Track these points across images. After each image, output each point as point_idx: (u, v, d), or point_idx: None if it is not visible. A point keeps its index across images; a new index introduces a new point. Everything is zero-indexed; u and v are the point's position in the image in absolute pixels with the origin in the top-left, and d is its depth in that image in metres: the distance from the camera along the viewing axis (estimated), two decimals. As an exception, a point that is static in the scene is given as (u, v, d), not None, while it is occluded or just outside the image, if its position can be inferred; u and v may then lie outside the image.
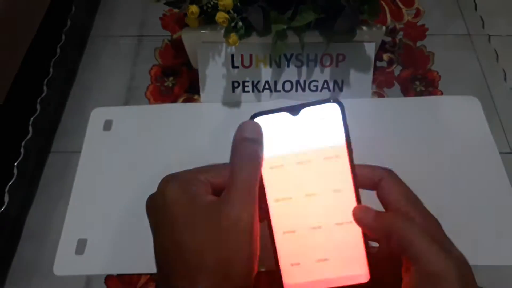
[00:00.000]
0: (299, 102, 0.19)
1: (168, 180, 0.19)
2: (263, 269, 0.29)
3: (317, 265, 0.19)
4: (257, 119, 0.19)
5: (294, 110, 0.19)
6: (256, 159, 0.18)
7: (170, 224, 0.18)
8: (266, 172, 0.19)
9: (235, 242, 0.16)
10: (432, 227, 0.18)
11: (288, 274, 0.19)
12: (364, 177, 0.19)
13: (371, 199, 0.19)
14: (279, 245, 0.19)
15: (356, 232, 0.19)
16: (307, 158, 0.19)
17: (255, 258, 0.17)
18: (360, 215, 0.18)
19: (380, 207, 0.19)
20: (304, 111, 0.19)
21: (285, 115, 0.19)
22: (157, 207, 0.19)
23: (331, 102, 0.18)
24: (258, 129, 0.19)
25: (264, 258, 0.19)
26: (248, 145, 0.18)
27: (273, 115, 0.19)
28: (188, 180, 0.18)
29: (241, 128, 0.19)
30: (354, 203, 0.19)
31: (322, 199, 0.19)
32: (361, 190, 0.19)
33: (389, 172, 0.20)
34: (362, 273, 0.19)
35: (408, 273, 0.17)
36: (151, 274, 0.31)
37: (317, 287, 0.19)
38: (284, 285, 0.19)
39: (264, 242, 0.18)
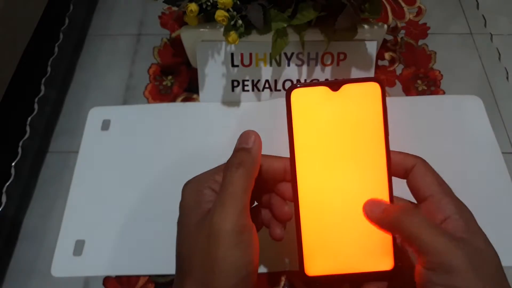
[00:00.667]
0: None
1: (187, 183, 0.19)
2: (265, 271, 0.29)
3: (343, 250, 0.18)
4: (294, 92, 0.18)
5: (334, 84, 0.18)
6: (244, 170, 0.18)
7: (179, 227, 0.18)
8: (299, 147, 0.18)
9: (218, 251, 0.16)
10: (463, 216, 0.18)
11: (311, 256, 0.18)
12: (396, 164, 0.19)
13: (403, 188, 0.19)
14: (304, 226, 0.18)
15: None
16: (343, 136, 0.18)
17: (243, 265, 0.17)
18: (368, 210, 0.18)
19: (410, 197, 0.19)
20: (345, 88, 0.18)
21: (325, 89, 0.18)
22: (179, 212, 0.19)
23: (373, 81, 0.18)
24: (252, 139, 0.18)
25: (262, 260, 0.19)
26: (238, 155, 0.18)
27: (312, 89, 0.18)
28: (203, 182, 0.18)
29: (239, 138, 0.19)
30: (386, 188, 0.18)
31: (354, 181, 0.18)
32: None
33: (422, 160, 0.19)
34: (387, 260, 0.18)
35: (420, 266, 0.16)
36: (149, 276, 0.31)
37: (341, 271, 0.18)
38: (307, 268, 0.18)
39: (261, 246, 0.18)
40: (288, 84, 0.39)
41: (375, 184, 0.18)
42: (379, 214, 0.18)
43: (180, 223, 0.18)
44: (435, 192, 0.18)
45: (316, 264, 0.18)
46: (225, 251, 0.16)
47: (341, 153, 0.18)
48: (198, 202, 0.18)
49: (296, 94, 0.18)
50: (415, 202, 0.19)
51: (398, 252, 0.18)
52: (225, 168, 0.18)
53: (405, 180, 0.19)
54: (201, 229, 0.17)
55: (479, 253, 0.16)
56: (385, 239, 0.18)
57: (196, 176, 0.19)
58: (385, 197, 0.18)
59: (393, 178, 0.19)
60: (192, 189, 0.19)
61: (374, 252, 0.18)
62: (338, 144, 0.18)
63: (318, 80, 0.39)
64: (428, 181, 0.18)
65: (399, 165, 0.19)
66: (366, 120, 0.18)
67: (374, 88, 0.18)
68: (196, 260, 0.17)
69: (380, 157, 0.18)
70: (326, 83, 0.18)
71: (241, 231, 0.17)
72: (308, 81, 0.39)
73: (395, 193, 0.19)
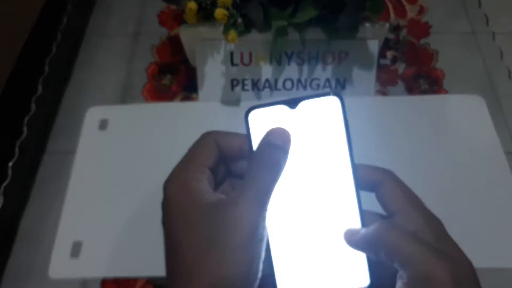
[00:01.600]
0: (297, 95, 0.18)
1: (168, 180, 0.18)
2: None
3: (316, 268, 0.18)
4: (252, 113, 0.18)
5: (292, 103, 0.18)
6: (275, 169, 0.17)
7: (169, 227, 0.18)
8: None
9: (235, 243, 0.16)
10: (432, 228, 0.17)
11: (284, 277, 0.18)
12: (364, 178, 0.18)
13: (372, 200, 0.19)
14: (274, 246, 0.18)
15: None
16: (305, 154, 0.18)
17: (255, 263, 0.16)
18: (347, 239, 0.18)
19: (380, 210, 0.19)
20: (303, 104, 0.18)
21: (283, 108, 0.18)
22: (163, 210, 0.18)
23: (330, 95, 0.18)
24: (286, 137, 0.18)
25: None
26: (271, 152, 0.17)
27: (270, 108, 0.18)
28: (187, 176, 0.18)
29: (269, 132, 0.18)
30: (355, 203, 0.18)
31: (321, 199, 0.18)
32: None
33: (390, 173, 0.19)
34: (362, 277, 0.18)
35: (400, 281, 0.16)
36: (148, 278, 0.30)
37: None
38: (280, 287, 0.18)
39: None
40: (288, 84, 0.38)
41: (343, 201, 0.18)
42: (359, 240, 0.17)
43: (172, 221, 0.17)
44: (403, 206, 0.18)
45: (289, 285, 0.18)
46: (241, 244, 0.16)
47: (306, 172, 0.18)
48: (193, 197, 0.17)
49: (254, 115, 0.18)
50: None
51: (375, 269, 0.18)
52: (255, 163, 0.17)
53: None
54: (210, 222, 0.16)
55: (457, 263, 0.16)
56: (359, 256, 0.18)
57: (172, 174, 0.19)
58: (355, 213, 0.18)
59: (363, 192, 0.19)
60: (178, 187, 0.18)
61: (349, 270, 0.18)
62: (301, 163, 0.18)
63: (319, 78, 0.38)
64: (396, 196, 0.18)
65: (366, 179, 0.19)
66: (328, 136, 0.18)
67: (333, 103, 0.18)
68: (204, 254, 0.16)
69: (346, 173, 0.18)
70: (283, 101, 0.18)
71: (260, 225, 0.16)
72: (309, 80, 0.38)
73: (367, 206, 0.19)
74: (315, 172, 0.18)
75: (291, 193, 0.18)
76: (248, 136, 0.18)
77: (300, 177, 0.18)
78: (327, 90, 0.38)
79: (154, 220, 0.32)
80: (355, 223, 0.18)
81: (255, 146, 0.18)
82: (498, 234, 0.32)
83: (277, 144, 0.18)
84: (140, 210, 0.33)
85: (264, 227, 0.17)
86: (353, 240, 0.18)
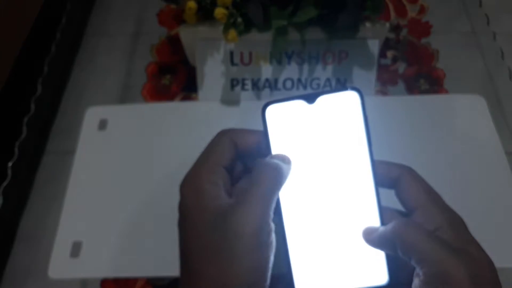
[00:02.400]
0: (315, 91, 0.18)
1: (183, 182, 0.18)
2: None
3: (334, 265, 0.18)
4: (269, 108, 0.18)
5: (310, 98, 0.17)
6: (279, 176, 0.17)
7: (181, 229, 0.18)
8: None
9: (239, 249, 0.16)
10: (453, 225, 0.17)
11: (302, 274, 0.18)
12: (382, 175, 0.18)
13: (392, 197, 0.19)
14: (292, 244, 0.18)
15: None
16: (324, 150, 0.17)
17: (261, 265, 0.16)
18: (366, 238, 0.18)
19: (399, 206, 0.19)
20: (321, 99, 0.17)
21: (300, 103, 0.17)
22: (179, 212, 0.18)
23: (349, 89, 0.17)
24: (286, 157, 0.18)
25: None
26: (276, 156, 0.17)
27: (287, 103, 0.17)
28: (200, 179, 0.18)
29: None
30: (374, 200, 0.18)
31: (339, 196, 0.18)
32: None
33: (409, 169, 0.19)
34: (380, 275, 0.18)
35: (417, 279, 0.16)
36: (147, 278, 0.30)
37: (335, 287, 0.18)
38: (297, 285, 0.18)
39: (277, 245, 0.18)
40: (288, 83, 0.38)
41: (362, 198, 0.18)
42: (376, 238, 0.17)
43: (184, 224, 0.17)
44: (423, 202, 0.18)
45: (307, 283, 0.18)
46: (245, 251, 0.16)
47: (324, 168, 0.18)
48: (204, 201, 0.17)
49: (271, 110, 0.18)
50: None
51: (393, 267, 0.18)
52: (256, 169, 0.17)
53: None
54: (216, 228, 0.16)
55: (476, 262, 0.16)
56: (377, 254, 0.18)
57: (187, 174, 0.18)
58: (374, 210, 0.18)
59: (381, 189, 0.18)
60: (191, 189, 0.18)
61: (367, 268, 0.18)
62: (319, 159, 0.18)
63: (319, 78, 0.38)
64: (415, 192, 0.18)
65: (384, 176, 0.18)
66: (347, 131, 0.18)
67: (352, 98, 0.17)
68: (210, 260, 0.16)
69: (365, 169, 0.18)
70: (300, 96, 0.18)
71: (265, 231, 0.16)
72: (309, 80, 0.38)
73: (387, 203, 0.19)
74: (333, 168, 0.18)
75: (309, 189, 0.18)
76: (265, 132, 0.18)
77: (318, 173, 0.18)
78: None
79: (155, 220, 0.32)
80: (374, 220, 0.18)
81: (272, 142, 0.18)
82: (498, 233, 0.31)
83: (283, 155, 0.17)
84: (139, 210, 0.33)
85: (269, 232, 0.17)
86: (371, 238, 0.17)
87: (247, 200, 0.16)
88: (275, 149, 0.18)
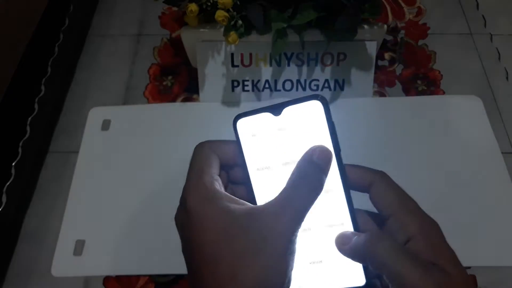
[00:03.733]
0: (280, 101, 0.18)
1: (187, 194, 0.18)
2: None
3: (311, 268, 0.18)
4: (240, 121, 0.18)
5: (275, 109, 0.18)
6: (316, 192, 0.17)
7: (202, 238, 0.17)
8: (253, 174, 0.18)
9: (274, 252, 0.16)
10: (429, 234, 0.17)
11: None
12: (355, 180, 0.18)
13: (365, 200, 0.19)
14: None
15: None
16: (293, 160, 0.18)
17: (289, 273, 0.16)
18: (339, 245, 0.18)
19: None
20: (286, 110, 0.18)
21: (268, 115, 0.18)
22: (185, 224, 0.18)
23: (312, 99, 0.18)
24: (328, 157, 0.18)
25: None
26: (315, 175, 0.17)
27: (256, 116, 0.18)
28: (208, 188, 0.18)
29: (312, 149, 0.18)
30: (345, 204, 0.18)
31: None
32: (353, 192, 0.18)
33: (381, 175, 0.19)
34: (357, 276, 0.18)
35: None
36: (149, 276, 0.31)
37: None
38: None
39: None
40: (288, 85, 0.39)
41: (333, 204, 0.18)
42: (348, 250, 0.18)
43: (202, 234, 0.17)
44: (397, 210, 0.17)
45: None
46: (276, 254, 0.16)
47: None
48: (218, 205, 0.17)
49: (241, 123, 0.18)
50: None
51: (369, 269, 0.18)
52: (298, 179, 0.17)
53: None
54: (248, 231, 0.16)
55: (448, 278, 0.15)
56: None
57: (189, 188, 0.18)
58: (346, 216, 0.18)
59: (359, 193, 0.19)
60: (201, 199, 0.17)
61: (344, 269, 0.18)
62: (288, 167, 0.18)
63: (318, 79, 0.39)
64: (389, 199, 0.18)
65: (358, 181, 0.18)
66: (312, 139, 0.18)
67: (316, 106, 0.18)
68: (246, 265, 0.16)
69: (334, 175, 0.18)
70: (266, 108, 0.18)
71: (293, 239, 0.16)
72: (308, 81, 0.39)
73: (364, 205, 0.19)
74: None
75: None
76: (238, 143, 0.18)
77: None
78: (328, 94, 0.38)
79: (157, 219, 0.32)
80: (346, 225, 0.18)
81: (245, 152, 0.18)
82: (495, 233, 0.32)
83: (320, 164, 0.17)
84: (142, 209, 0.33)
85: (296, 242, 0.17)
86: (344, 249, 0.18)
87: (286, 204, 0.16)
88: (248, 158, 0.18)
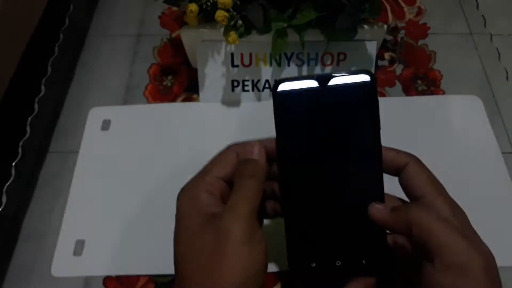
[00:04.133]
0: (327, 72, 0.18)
1: (181, 191, 0.19)
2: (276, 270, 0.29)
3: (331, 242, 0.18)
4: (281, 86, 0.18)
5: (322, 78, 0.17)
6: (256, 181, 0.18)
7: (175, 234, 0.18)
8: (287, 142, 0.18)
9: (227, 248, 0.16)
10: (458, 217, 0.17)
11: (299, 248, 0.18)
12: (388, 161, 0.18)
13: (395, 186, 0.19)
14: (293, 220, 0.18)
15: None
16: (333, 131, 0.17)
17: (251, 264, 0.16)
18: (375, 212, 0.18)
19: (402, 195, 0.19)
20: (333, 81, 0.17)
21: (312, 83, 0.17)
22: (175, 221, 0.19)
23: (362, 73, 0.17)
24: (257, 150, 0.18)
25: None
26: (249, 167, 0.18)
27: (299, 82, 0.17)
28: (197, 187, 0.18)
29: (242, 147, 0.19)
30: (377, 185, 0.18)
31: (344, 177, 0.18)
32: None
33: (414, 157, 0.19)
34: (377, 252, 0.18)
35: (429, 265, 0.16)
36: (149, 276, 0.31)
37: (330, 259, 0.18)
38: (293, 260, 0.18)
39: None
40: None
41: (366, 181, 0.18)
42: (387, 215, 0.17)
43: (177, 230, 0.18)
44: (428, 192, 0.18)
45: (304, 256, 0.18)
46: (234, 247, 0.16)
47: (331, 149, 0.18)
48: (198, 208, 0.18)
49: (283, 88, 0.18)
50: (407, 200, 0.19)
51: (387, 246, 0.18)
52: (237, 176, 0.18)
53: (394, 178, 0.19)
54: (206, 231, 0.17)
55: (486, 255, 0.16)
56: (376, 233, 0.18)
57: (186, 184, 0.19)
58: (376, 195, 0.18)
59: (384, 175, 0.19)
60: (188, 197, 0.18)
61: (364, 244, 0.18)
62: (328, 140, 0.18)
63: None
64: (421, 180, 0.18)
65: (391, 163, 0.18)
66: (357, 114, 0.18)
67: (364, 81, 0.17)
68: (200, 262, 0.16)
69: (372, 154, 0.18)
70: (313, 76, 0.17)
71: (251, 231, 0.17)
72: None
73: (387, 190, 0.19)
74: (340, 149, 0.18)
75: (314, 168, 0.18)
76: (275, 110, 0.18)
77: (326, 153, 0.18)
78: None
79: (157, 219, 0.32)
80: (377, 200, 0.18)
81: (283, 119, 0.18)
82: (495, 233, 0.32)
83: (251, 158, 0.18)
84: (142, 209, 0.33)
85: (256, 233, 0.17)
86: (381, 214, 0.17)
87: (233, 202, 0.17)
88: (284, 126, 0.18)
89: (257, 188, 0.18)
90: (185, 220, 0.18)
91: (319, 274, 0.18)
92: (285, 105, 0.18)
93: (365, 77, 0.17)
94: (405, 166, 0.18)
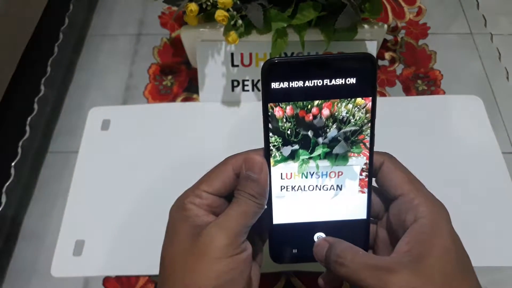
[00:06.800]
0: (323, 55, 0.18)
1: (173, 205, 0.20)
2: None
3: (315, 206, 0.18)
4: (273, 65, 0.17)
5: (318, 60, 0.17)
6: (254, 204, 0.18)
7: (165, 242, 0.19)
8: (280, 122, 0.18)
9: (203, 269, 0.16)
10: (438, 211, 0.17)
11: (281, 209, 0.19)
12: None
13: None
14: (276, 206, 0.19)
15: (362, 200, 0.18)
16: (326, 114, 0.17)
17: (228, 277, 0.17)
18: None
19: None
20: (329, 63, 0.17)
21: (307, 64, 0.17)
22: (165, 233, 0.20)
23: (361, 56, 0.17)
24: (260, 167, 0.18)
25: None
26: (250, 186, 0.18)
27: (295, 63, 0.17)
28: (184, 198, 0.19)
29: (245, 162, 0.18)
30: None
31: (327, 167, 0.18)
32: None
33: (389, 156, 0.19)
34: (360, 214, 0.18)
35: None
36: (149, 276, 0.31)
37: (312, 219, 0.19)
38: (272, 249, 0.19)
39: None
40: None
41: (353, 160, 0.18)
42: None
43: (165, 236, 0.19)
44: (406, 191, 0.18)
45: (285, 216, 0.19)
46: (212, 252, 0.16)
47: (322, 130, 0.18)
48: (185, 217, 0.18)
49: (274, 67, 0.17)
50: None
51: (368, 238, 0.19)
52: (237, 192, 0.18)
53: None
54: (189, 235, 0.17)
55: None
56: (359, 202, 0.18)
57: (181, 195, 0.20)
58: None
59: None
60: (176, 206, 0.19)
61: (348, 209, 0.19)
62: (321, 121, 0.17)
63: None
64: (398, 179, 0.18)
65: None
66: (354, 96, 0.17)
67: (363, 64, 0.17)
68: (176, 265, 0.17)
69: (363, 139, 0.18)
70: (308, 57, 0.17)
71: (235, 240, 0.17)
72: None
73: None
74: (330, 130, 0.18)
75: (302, 151, 0.18)
76: (264, 90, 0.17)
77: (316, 133, 0.18)
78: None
79: (156, 220, 0.32)
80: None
81: (271, 102, 0.17)
82: (495, 233, 0.32)
83: (252, 176, 0.18)
84: (142, 209, 0.33)
85: (240, 246, 0.17)
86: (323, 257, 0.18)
87: (224, 216, 0.17)
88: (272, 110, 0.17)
89: (253, 210, 0.18)
90: (171, 227, 0.19)
91: (299, 259, 0.19)
92: (277, 85, 0.17)
93: (364, 60, 0.17)
94: (381, 166, 0.18)
